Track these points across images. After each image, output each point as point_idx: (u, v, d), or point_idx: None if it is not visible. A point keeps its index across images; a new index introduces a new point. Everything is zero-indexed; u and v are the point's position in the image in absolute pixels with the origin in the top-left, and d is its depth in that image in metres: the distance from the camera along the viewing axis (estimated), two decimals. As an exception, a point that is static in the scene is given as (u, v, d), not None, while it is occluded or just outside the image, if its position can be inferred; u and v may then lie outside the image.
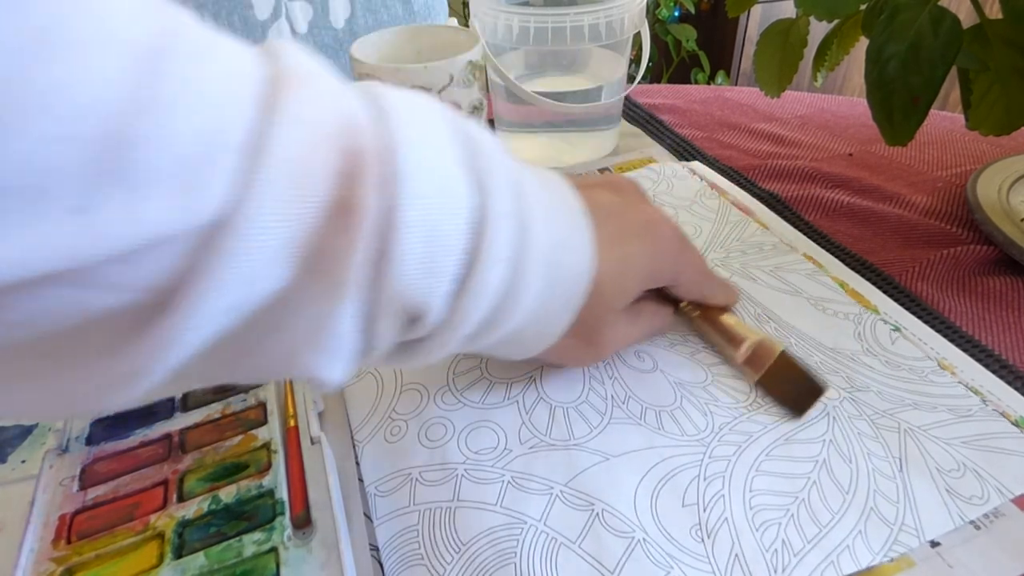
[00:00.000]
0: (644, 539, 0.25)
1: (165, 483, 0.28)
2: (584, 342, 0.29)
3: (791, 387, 0.30)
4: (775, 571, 0.24)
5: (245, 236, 0.17)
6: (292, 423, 0.30)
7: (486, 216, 0.22)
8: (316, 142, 0.18)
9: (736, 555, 0.25)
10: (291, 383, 0.32)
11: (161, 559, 0.25)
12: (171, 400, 0.32)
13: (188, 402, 0.32)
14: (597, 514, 0.26)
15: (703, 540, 0.25)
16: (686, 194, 0.47)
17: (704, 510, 0.26)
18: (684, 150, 0.54)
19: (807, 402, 0.30)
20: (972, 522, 0.26)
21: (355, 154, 0.19)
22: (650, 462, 0.28)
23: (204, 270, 0.17)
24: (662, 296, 0.33)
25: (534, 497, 0.27)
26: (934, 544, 0.25)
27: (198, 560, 0.25)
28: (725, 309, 0.34)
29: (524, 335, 0.26)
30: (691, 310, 0.34)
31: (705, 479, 0.27)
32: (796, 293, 0.37)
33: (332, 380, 0.21)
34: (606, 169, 0.51)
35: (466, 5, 1.45)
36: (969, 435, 0.29)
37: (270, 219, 0.17)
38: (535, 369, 0.32)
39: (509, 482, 0.27)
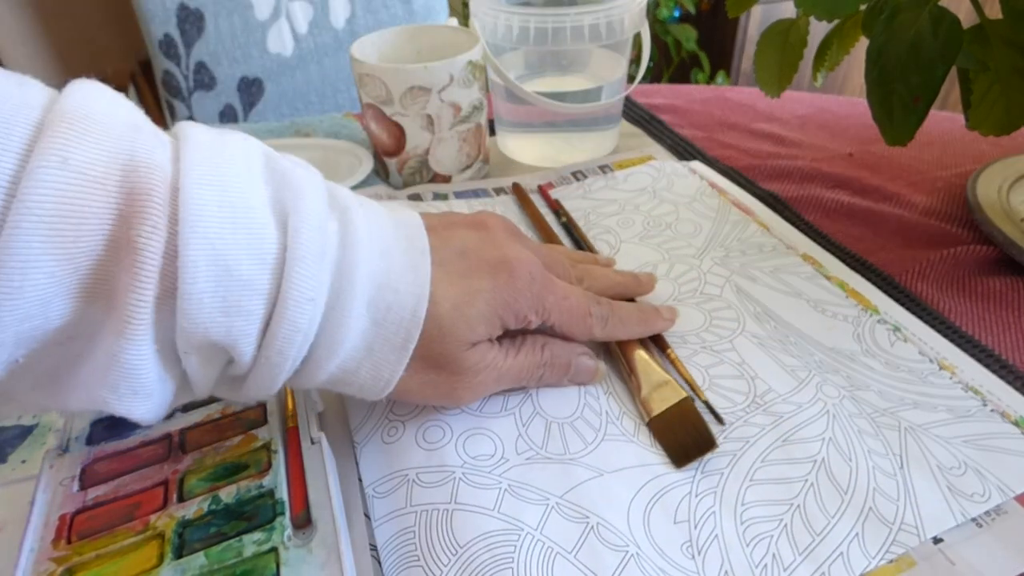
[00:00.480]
0: (637, 553, 0.25)
1: (165, 483, 0.28)
2: (444, 373, 0.28)
3: (681, 436, 0.29)
4: None
5: (10, 274, 0.18)
6: (292, 423, 0.30)
7: (288, 256, 0.22)
8: (82, 183, 0.19)
9: (726, 571, 0.25)
10: (291, 383, 0.32)
11: (161, 559, 0.25)
12: (171, 400, 0.32)
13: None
14: (592, 527, 0.26)
15: (694, 557, 0.25)
16: (686, 191, 0.47)
17: (695, 527, 0.26)
18: (684, 150, 0.54)
19: (692, 455, 0.28)
20: (974, 519, 0.26)
21: (137, 194, 0.20)
22: (642, 479, 0.28)
23: None
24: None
25: (531, 506, 0.27)
26: (936, 540, 0.25)
27: (198, 560, 0.25)
28: (641, 343, 0.33)
29: (359, 374, 0.26)
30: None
31: (696, 495, 0.27)
32: (796, 295, 0.37)
33: (136, 417, 0.22)
34: (606, 167, 0.51)
35: (466, 5, 1.45)
36: (969, 435, 0.29)
37: (36, 257, 0.18)
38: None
39: (506, 489, 0.27)
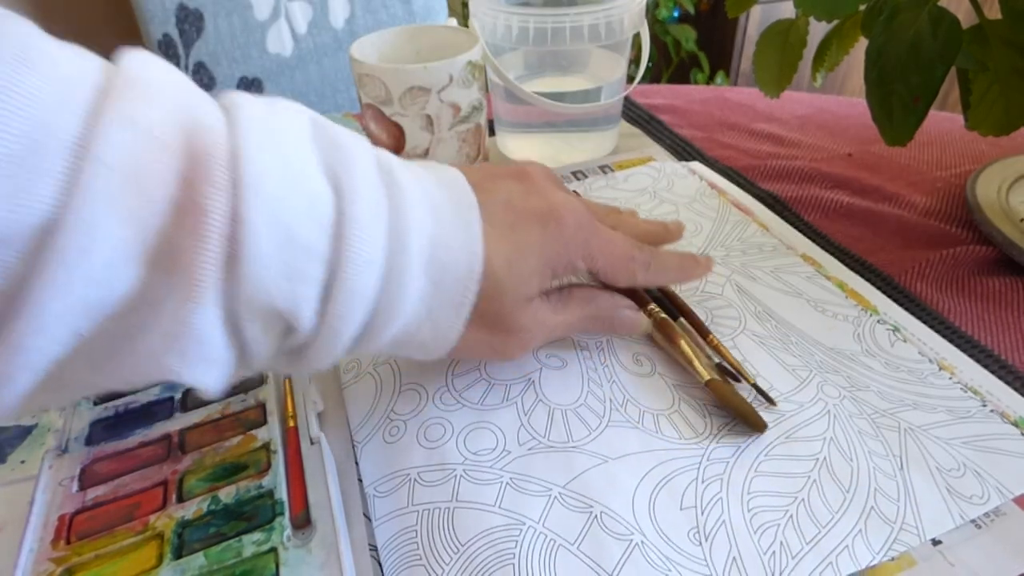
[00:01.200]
0: (642, 542, 0.25)
1: (165, 483, 0.28)
2: (498, 332, 0.28)
3: (741, 403, 0.30)
4: (772, 574, 0.24)
5: (77, 236, 0.17)
6: (292, 423, 0.30)
7: (345, 220, 0.22)
8: (149, 144, 0.19)
9: (734, 558, 0.25)
10: (290, 383, 0.32)
11: (160, 559, 0.25)
12: (171, 400, 0.32)
13: (187, 402, 0.32)
14: (596, 516, 0.26)
15: (701, 543, 0.25)
16: (686, 192, 0.47)
17: (702, 513, 0.26)
18: (684, 150, 0.54)
19: (746, 421, 0.29)
20: (973, 521, 0.26)
21: (200, 156, 0.19)
22: (648, 465, 0.28)
23: (41, 271, 0.17)
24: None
25: (533, 498, 0.27)
26: (935, 542, 0.25)
27: (198, 560, 0.25)
28: (682, 335, 0.33)
29: (419, 335, 0.26)
30: (656, 313, 0.34)
31: (703, 482, 0.27)
32: (797, 295, 0.37)
33: (204, 385, 0.22)
34: (606, 167, 0.51)
35: (466, 5, 1.45)
36: (968, 435, 0.29)
37: (104, 219, 0.18)
38: (534, 371, 0.32)
39: (508, 483, 0.27)
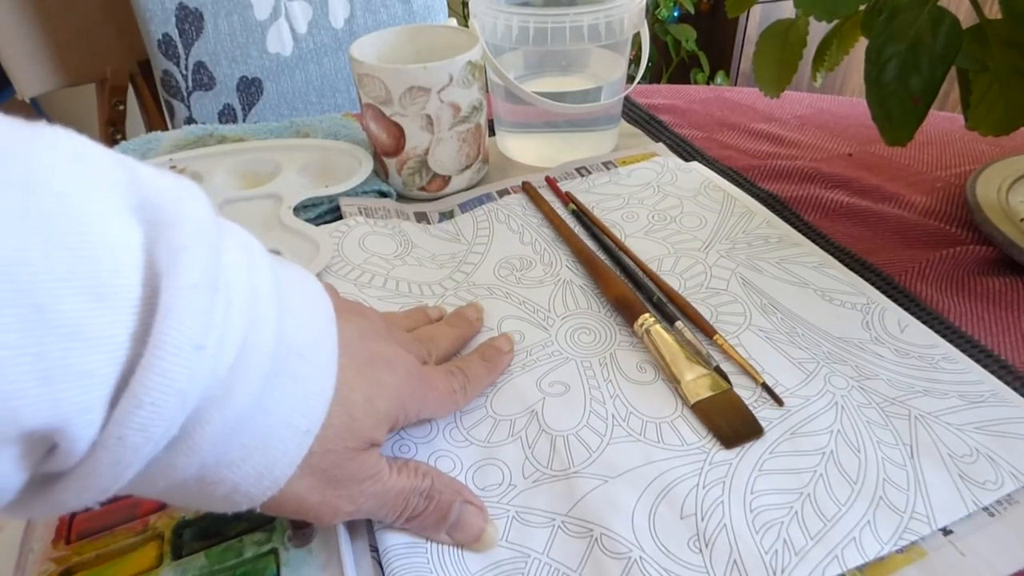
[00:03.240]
0: (641, 557, 0.25)
1: (165, 484, 0.28)
2: (334, 480, 0.23)
3: (730, 419, 0.30)
4: (774, 573, 0.24)
5: None
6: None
7: (164, 285, 0.17)
8: None
9: (734, 561, 0.25)
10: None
11: (161, 560, 0.25)
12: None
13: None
14: (595, 539, 0.26)
15: (701, 551, 0.25)
16: (691, 186, 0.47)
17: (702, 519, 0.26)
18: (684, 150, 0.54)
19: (743, 437, 0.29)
20: (986, 509, 0.26)
21: None
22: (648, 478, 0.28)
23: None
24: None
25: (537, 531, 0.27)
26: (946, 532, 0.25)
27: (198, 561, 0.25)
28: (678, 341, 0.33)
29: (240, 469, 0.20)
30: (644, 328, 0.34)
31: (704, 487, 0.27)
32: (803, 285, 0.37)
33: None
34: (609, 163, 0.51)
35: (466, 5, 1.45)
36: (981, 421, 0.29)
37: None
38: (537, 402, 0.32)
39: (514, 517, 0.27)
